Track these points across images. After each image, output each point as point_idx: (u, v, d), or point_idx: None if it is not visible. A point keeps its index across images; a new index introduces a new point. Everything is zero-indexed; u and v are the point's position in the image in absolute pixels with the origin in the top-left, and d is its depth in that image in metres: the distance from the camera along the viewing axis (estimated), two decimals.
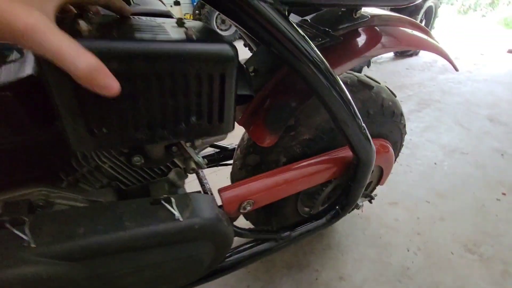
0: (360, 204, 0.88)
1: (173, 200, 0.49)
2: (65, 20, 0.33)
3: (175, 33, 0.35)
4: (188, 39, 0.34)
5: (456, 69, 0.78)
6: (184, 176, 0.59)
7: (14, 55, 0.41)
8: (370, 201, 0.94)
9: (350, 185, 0.77)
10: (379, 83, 0.82)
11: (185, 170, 0.58)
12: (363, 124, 0.59)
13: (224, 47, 0.35)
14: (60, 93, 0.30)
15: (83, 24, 0.31)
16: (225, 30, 4.61)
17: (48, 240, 0.38)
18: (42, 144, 0.40)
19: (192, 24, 0.42)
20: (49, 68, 0.28)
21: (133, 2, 0.57)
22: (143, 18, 0.41)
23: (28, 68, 0.38)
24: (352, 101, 0.54)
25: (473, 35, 6.65)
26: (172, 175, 0.56)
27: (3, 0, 0.23)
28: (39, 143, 0.39)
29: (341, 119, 0.55)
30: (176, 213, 0.48)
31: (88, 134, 0.35)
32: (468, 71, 3.63)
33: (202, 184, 0.71)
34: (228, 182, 0.93)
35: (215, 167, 1.03)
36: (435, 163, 1.67)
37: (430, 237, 1.17)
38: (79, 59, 0.25)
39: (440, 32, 5.46)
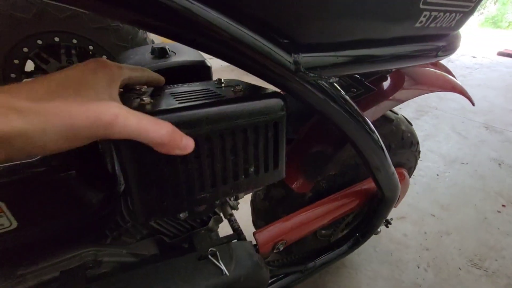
0: (379, 230, 0.90)
1: (218, 253, 0.50)
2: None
3: (226, 93, 0.36)
4: (243, 98, 0.35)
5: (473, 104, 0.81)
6: (221, 221, 0.60)
7: None
8: (386, 226, 0.97)
9: (372, 216, 0.79)
10: (397, 114, 0.85)
11: (223, 216, 0.60)
12: (393, 168, 0.61)
13: (275, 100, 0.36)
14: (136, 169, 0.31)
15: (146, 99, 0.31)
16: None
17: None
18: (103, 215, 0.40)
19: (230, 82, 0.43)
20: (126, 148, 0.29)
21: (169, 51, 0.57)
22: (187, 85, 0.42)
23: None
24: (385, 148, 0.56)
25: (463, 35, 6.79)
26: (211, 223, 0.57)
27: (90, 100, 0.25)
28: (101, 215, 0.40)
29: (374, 166, 0.57)
30: (223, 267, 0.49)
31: (158, 204, 0.35)
32: (462, 76, 3.72)
33: (230, 221, 0.72)
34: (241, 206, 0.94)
35: None
36: (437, 175, 1.72)
37: (438, 253, 1.21)
38: (160, 129, 0.27)
39: None
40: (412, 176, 1.67)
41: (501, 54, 5.15)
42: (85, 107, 0.24)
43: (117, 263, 0.50)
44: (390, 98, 0.61)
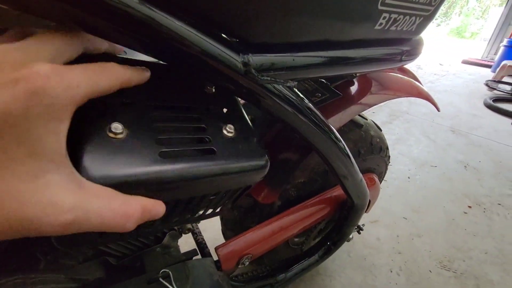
0: (351, 236, 0.89)
1: (171, 274, 0.45)
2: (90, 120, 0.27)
3: (214, 135, 0.32)
4: (231, 154, 0.32)
5: (438, 110, 0.82)
6: (178, 237, 0.55)
7: None
8: (358, 232, 0.96)
9: (343, 224, 0.78)
10: (367, 119, 0.84)
11: (180, 231, 0.55)
12: (361, 175, 0.59)
13: (260, 163, 0.34)
14: None
15: (117, 129, 0.26)
16: None
17: None
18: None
19: (221, 111, 0.37)
20: None
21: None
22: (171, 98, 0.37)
23: None
24: (351, 156, 0.54)
25: (431, 43, 7.20)
26: (166, 240, 0.52)
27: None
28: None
29: (341, 174, 0.55)
30: None
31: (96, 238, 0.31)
32: (430, 82, 3.92)
33: (193, 233, 0.67)
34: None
35: None
36: (408, 177, 1.76)
37: (409, 256, 1.23)
38: (127, 222, 0.22)
39: None
40: (384, 179, 1.70)
41: (465, 62, 5.51)
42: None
43: None
44: (357, 103, 0.60)
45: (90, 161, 0.24)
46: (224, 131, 0.34)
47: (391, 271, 1.15)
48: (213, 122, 0.34)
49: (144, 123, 0.29)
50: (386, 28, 0.39)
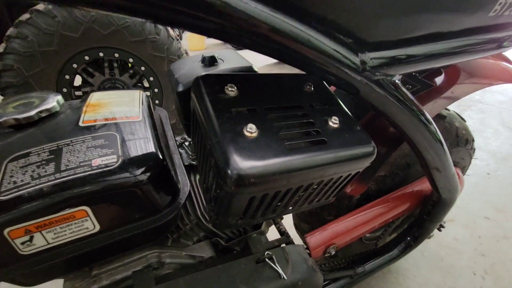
0: (432, 234, 0.85)
1: (274, 257, 0.50)
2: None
3: (323, 126, 0.36)
4: (341, 143, 0.35)
5: None
6: (271, 224, 0.60)
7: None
8: (439, 229, 0.91)
9: (426, 219, 0.75)
10: (449, 110, 0.80)
11: (274, 219, 0.60)
12: (454, 169, 0.57)
13: (368, 149, 0.36)
14: (234, 202, 0.33)
15: (252, 129, 0.32)
16: None
17: None
18: (168, 221, 0.42)
19: (322, 106, 0.40)
20: (236, 191, 0.31)
21: (218, 59, 0.58)
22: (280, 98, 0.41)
23: (151, 147, 0.41)
24: (447, 148, 0.53)
25: None
26: (263, 227, 0.58)
27: None
28: (166, 221, 0.42)
29: (433, 166, 0.54)
30: (281, 271, 0.49)
31: (237, 221, 0.37)
32: None
33: (276, 223, 0.72)
34: None
35: None
36: (488, 173, 1.59)
37: (496, 259, 1.11)
38: None
39: None
40: None
41: None
42: None
43: (177, 264, 0.52)
44: (447, 94, 0.57)
45: (238, 156, 0.29)
46: (330, 123, 0.37)
47: (475, 274, 1.06)
48: (319, 116, 0.37)
49: (266, 123, 0.34)
50: (500, 13, 0.38)
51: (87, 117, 0.44)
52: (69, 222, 0.35)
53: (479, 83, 0.63)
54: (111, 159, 0.37)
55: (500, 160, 1.69)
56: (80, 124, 0.42)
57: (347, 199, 0.73)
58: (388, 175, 0.70)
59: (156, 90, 1.75)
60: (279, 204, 0.38)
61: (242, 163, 0.29)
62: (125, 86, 1.70)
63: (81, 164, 0.36)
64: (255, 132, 0.32)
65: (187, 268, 0.51)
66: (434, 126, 0.47)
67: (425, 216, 0.74)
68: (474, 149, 0.86)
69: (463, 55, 0.43)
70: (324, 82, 0.43)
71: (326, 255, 0.63)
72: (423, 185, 0.73)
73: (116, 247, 0.42)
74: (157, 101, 1.78)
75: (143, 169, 0.38)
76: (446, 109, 0.79)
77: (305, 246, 0.62)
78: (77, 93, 1.61)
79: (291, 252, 0.54)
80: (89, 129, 0.41)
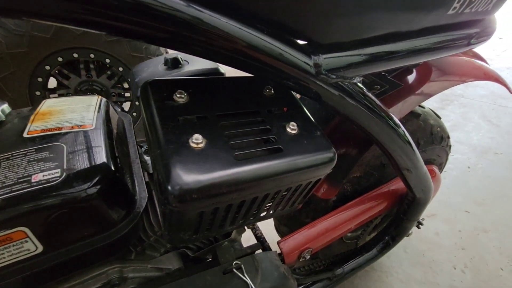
0: (410, 232, 0.85)
1: (242, 267, 0.49)
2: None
3: (279, 133, 0.34)
4: (298, 150, 0.34)
5: (511, 92, 0.74)
6: (243, 231, 0.59)
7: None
8: (418, 227, 0.91)
9: (403, 218, 0.75)
10: (424, 108, 0.79)
11: (245, 227, 0.58)
12: (425, 168, 0.56)
13: (327, 155, 0.35)
14: (181, 218, 0.32)
15: (198, 140, 0.30)
16: None
17: None
18: (124, 234, 0.40)
19: (281, 110, 0.38)
20: (180, 208, 0.29)
21: (182, 61, 0.56)
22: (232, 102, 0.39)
23: (102, 158, 0.38)
24: (416, 148, 0.52)
25: None
26: (234, 235, 0.56)
27: None
28: (122, 234, 0.39)
29: (404, 167, 0.53)
30: (249, 281, 0.47)
31: (192, 236, 0.35)
32: (488, 59, 3.48)
33: (253, 228, 0.71)
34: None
35: None
36: (468, 167, 1.61)
37: (475, 252, 1.13)
38: None
39: None
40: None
41: None
42: None
43: (142, 278, 0.49)
44: (418, 92, 0.57)
45: (181, 170, 0.27)
46: (288, 129, 0.35)
47: (455, 268, 1.08)
48: (276, 122, 0.36)
49: (216, 132, 0.32)
50: (459, 11, 0.37)
51: (33, 127, 0.41)
52: (6, 244, 0.32)
53: (451, 80, 0.62)
54: (54, 174, 0.35)
55: (480, 154, 1.72)
56: (24, 135, 0.39)
57: (324, 201, 0.72)
58: (363, 176, 0.70)
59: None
60: (236, 215, 0.36)
61: (184, 178, 0.27)
62: (103, 88, 1.64)
63: (19, 180, 0.33)
64: (201, 142, 0.30)
65: (153, 281, 0.49)
66: (402, 128, 0.46)
67: (402, 215, 0.74)
68: (450, 146, 0.86)
69: (426, 55, 0.42)
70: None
71: (301, 260, 0.62)
72: (399, 185, 0.72)
73: (67, 267, 0.39)
74: (137, 102, 1.73)
75: (91, 182, 0.35)
76: (421, 106, 0.79)
77: (279, 252, 0.60)
78: (52, 96, 1.55)
79: (262, 259, 0.52)
80: (34, 140, 0.38)
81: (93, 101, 0.50)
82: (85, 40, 1.43)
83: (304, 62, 0.31)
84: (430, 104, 2.38)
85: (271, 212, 0.41)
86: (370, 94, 0.40)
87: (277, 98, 0.39)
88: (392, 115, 0.44)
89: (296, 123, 0.36)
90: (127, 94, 1.72)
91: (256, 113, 0.36)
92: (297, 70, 0.32)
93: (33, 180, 0.33)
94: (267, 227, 1.08)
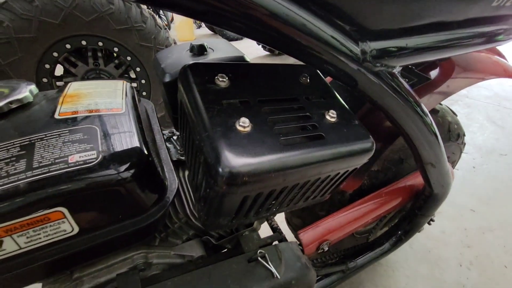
0: (422, 227, 0.86)
1: (267, 256, 0.49)
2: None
3: (320, 120, 0.34)
4: (339, 138, 0.33)
5: None
6: (263, 222, 0.59)
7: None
8: (429, 223, 0.91)
9: (417, 213, 0.75)
10: (441, 104, 0.79)
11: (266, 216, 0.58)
12: (449, 165, 0.56)
13: (366, 145, 0.34)
14: (225, 202, 0.31)
15: (245, 123, 0.30)
16: None
17: None
18: (155, 220, 0.40)
19: (319, 99, 0.38)
20: (228, 191, 0.29)
21: (208, 48, 0.55)
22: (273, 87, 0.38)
23: (135, 142, 0.38)
24: (442, 144, 0.52)
25: None
26: (255, 224, 0.56)
27: None
28: (153, 220, 0.39)
29: (428, 162, 0.53)
30: (273, 270, 0.47)
31: (229, 222, 0.35)
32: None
33: (268, 219, 0.71)
34: None
35: None
36: (473, 167, 1.62)
37: (481, 250, 1.14)
38: None
39: None
40: None
41: None
42: None
43: (166, 264, 0.49)
44: (443, 88, 0.56)
45: (230, 152, 0.27)
46: (327, 117, 0.35)
47: (461, 265, 1.09)
48: (316, 109, 0.35)
49: (260, 117, 0.31)
50: (502, 4, 0.37)
51: (63, 109, 0.40)
52: (44, 225, 0.32)
53: (473, 77, 0.62)
54: (91, 155, 0.34)
55: (485, 154, 1.73)
56: (56, 116, 0.38)
57: (340, 194, 0.72)
58: (381, 170, 0.70)
59: (143, 81, 1.69)
60: (273, 202, 0.36)
61: (234, 161, 0.26)
62: (110, 77, 1.63)
63: (57, 160, 0.33)
64: (248, 126, 0.29)
65: (176, 268, 0.49)
66: (431, 119, 0.46)
67: (416, 210, 0.75)
68: (465, 144, 0.87)
69: (464, 47, 0.42)
70: (320, 74, 0.41)
71: (319, 252, 0.62)
72: (416, 180, 0.72)
73: (98, 250, 0.39)
74: (144, 93, 1.72)
75: (126, 165, 0.35)
76: (439, 103, 0.78)
77: (298, 243, 0.60)
78: (59, 83, 1.53)
79: (284, 250, 0.52)
80: (66, 122, 0.38)
81: (119, 85, 0.49)
82: (94, 27, 1.41)
83: (351, 48, 0.31)
84: None
85: (303, 201, 0.41)
86: (406, 85, 0.40)
87: (313, 86, 0.39)
88: (424, 107, 0.44)
89: (335, 111, 0.35)
90: (134, 84, 1.70)
91: (295, 100, 0.36)
92: (343, 55, 0.31)
93: (70, 161, 0.33)
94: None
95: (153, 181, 0.39)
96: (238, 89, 0.34)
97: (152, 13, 1.59)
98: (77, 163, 0.33)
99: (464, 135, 0.82)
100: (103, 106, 0.42)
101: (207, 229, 0.40)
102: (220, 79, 0.33)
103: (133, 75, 1.68)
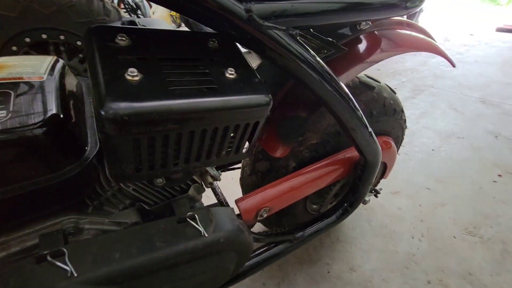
0: (367, 199, 0.91)
1: (197, 216, 0.52)
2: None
3: (217, 77, 0.37)
4: (233, 90, 0.36)
5: (453, 65, 0.80)
6: (202, 191, 0.61)
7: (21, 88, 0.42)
8: (375, 195, 0.97)
9: (358, 184, 0.80)
10: (379, 82, 0.85)
11: (203, 185, 0.61)
12: (370, 129, 0.61)
13: (263, 98, 0.37)
14: (119, 145, 0.33)
15: (133, 73, 0.32)
16: None
17: (88, 268, 0.40)
18: (71, 178, 0.42)
19: (225, 58, 0.41)
20: (114, 133, 0.31)
21: (139, 25, 0.57)
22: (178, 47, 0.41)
23: (51, 106, 0.40)
24: (359, 108, 0.57)
25: (461, 13, 6.68)
26: (191, 191, 0.58)
27: None
28: (68, 177, 0.41)
29: (350, 127, 0.58)
30: (202, 229, 0.50)
31: (134, 172, 0.37)
32: (458, 53, 3.67)
33: (216, 193, 0.74)
34: (233, 183, 0.96)
35: (223, 172, 1.05)
36: (432, 150, 1.72)
37: (432, 223, 1.22)
38: None
39: (427, 11, 5.46)
40: (406, 153, 1.67)
41: (500, 30, 5.06)
42: None
43: (98, 230, 0.51)
44: (364, 59, 0.61)
45: (114, 96, 0.30)
46: (226, 74, 0.38)
47: (413, 238, 1.16)
48: (216, 68, 0.38)
49: (155, 70, 0.34)
50: None
51: None
52: None
53: (396, 50, 0.67)
54: (0, 114, 0.36)
55: (444, 138, 1.83)
56: None
57: (284, 168, 0.76)
58: (320, 143, 0.74)
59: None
60: (177, 153, 0.39)
61: (115, 103, 0.29)
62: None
63: None
64: (136, 76, 0.32)
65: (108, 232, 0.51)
66: (340, 84, 0.50)
67: (357, 181, 0.79)
68: (405, 120, 0.92)
69: (363, 13, 0.46)
70: (232, 41, 0.44)
71: (258, 218, 0.66)
72: (354, 152, 0.77)
73: (17, 207, 0.40)
74: None
75: (37, 124, 0.37)
76: (377, 81, 0.84)
77: (238, 213, 0.64)
78: None
79: (217, 213, 0.55)
80: None
81: (48, 59, 0.51)
82: (54, 20, 1.40)
83: (236, 5, 0.34)
84: (401, 93, 2.49)
85: (215, 157, 0.44)
86: (307, 48, 0.43)
87: (221, 50, 0.42)
88: (331, 72, 0.48)
89: (234, 69, 0.39)
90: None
91: (197, 59, 0.39)
92: (230, 15, 0.35)
93: None
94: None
95: (69, 142, 0.41)
96: (138, 48, 0.36)
97: (116, 6, 1.59)
98: None
99: (402, 111, 0.88)
100: (23, 75, 0.44)
101: (115, 180, 0.41)
102: (119, 38, 0.36)
103: None
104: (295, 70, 0.45)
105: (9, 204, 0.38)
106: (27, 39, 1.41)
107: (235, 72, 0.38)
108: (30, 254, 0.45)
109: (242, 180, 0.90)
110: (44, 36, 1.44)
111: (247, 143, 0.47)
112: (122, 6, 4.33)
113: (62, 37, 1.47)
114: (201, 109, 0.34)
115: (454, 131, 1.91)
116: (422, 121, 2.04)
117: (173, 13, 4.89)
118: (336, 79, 0.51)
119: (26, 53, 1.47)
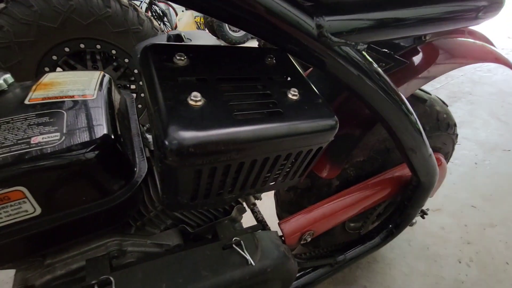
0: (414, 221, 0.84)
1: (242, 243, 0.48)
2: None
3: (280, 98, 0.34)
4: (298, 115, 0.33)
5: None
6: (244, 211, 0.58)
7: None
8: (422, 217, 0.89)
9: (406, 205, 0.73)
10: (430, 94, 0.78)
11: (246, 205, 0.57)
12: (431, 150, 0.55)
13: (329, 122, 0.34)
14: (179, 177, 0.31)
15: (197, 98, 0.29)
16: (237, 31, 4.61)
17: None
18: (121, 202, 0.40)
19: (283, 79, 0.37)
20: (177, 164, 0.29)
21: (185, 38, 0.56)
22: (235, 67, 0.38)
23: (102, 127, 0.38)
24: (421, 128, 0.51)
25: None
26: (234, 213, 0.55)
27: None
28: (119, 202, 0.39)
29: (408, 147, 0.52)
30: (248, 257, 0.47)
31: (189, 201, 0.35)
32: None
33: (253, 211, 0.70)
34: (264, 199, 0.92)
35: None
36: (475, 163, 1.58)
37: (481, 246, 1.11)
38: None
39: None
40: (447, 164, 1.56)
41: None
42: None
43: (141, 253, 0.49)
44: (423, 73, 0.55)
45: (178, 125, 0.27)
46: (289, 95, 0.35)
47: (460, 262, 1.06)
48: (277, 88, 0.35)
49: (216, 93, 0.31)
50: None
51: (35, 95, 0.41)
52: (4, 204, 0.32)
53: (458, 62, 0.61)
54: (54, 137, 0.35)
55: (488, 150, 1.69)
56: (26, 102, 0.39)
57: (326, 186, 0.71)
58: (367, 160, 0.69)
59: (141, 83, 1.71)
60: (235, 182, 0.36)
61: (180, 132, 0.26)
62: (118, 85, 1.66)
63: (19, 141, 0.33)
64: (200, 100, 0.29)
65: (150, 256, 0.49)
66: (406, 103, 0.45)
67: (405, 202, 0.73)
68: (457, 135, 0.85)
69: (434, 25, 0.41)
70: (288, 55, 0.41)
71: (302, 242, 0.61)
72: (404, 171, 0.71)
73: (65, 232, 0.39)
74: (142, 94, 1.74)
75: (89, 147, 0.35)
76: (428, 93, 0.77)
77: (281, 235, 0.60)
78: None
79: (262, 238, 0.52)
80: (34, 107, 0.38)
81: (96, 75, 0.50)
82: (92, 30, 1.45)
83: (306, 22, 0.31)
84: None
85: (272, 183, 0.41)
86: (375, 64, 0.39)
87: (278, 67, 0.38)
88: (396, 89, 0.44)
89: (297, 90, 0.35)
90: (133, 86, 1.73)
91: (257, 79, 0.35)
92: (298, 31, 0.31)
93: (32, 142, 0.34)
94: (269, 218, 1.08)
95: (119, 165, 0.39)
96: (197, 67, 0.34)
97: (150, 16, 1.62)
98: (38, 144, 0.33)
99: (455, 125, 0.81)
100: (74, 93, 0.43)
101: (168, 209, 0.39)
102: (178, 57, 0.33)
103: (132, 78, 1.70)
104: (357, 85, 0.41)
105: (59, 230, 0.37)
106: (67, 49, 1.47)
107: (298, 93, 0.35)
108: (74, 278, 0.44)
109: (278, 195, 0.86)
110: (82, 45, 1.49)
111: None
112: (149, 13, 4.48)
113: (98, 46, 1.52)
114: (268, 136, 0.30)
115: (498, 142, 1.76)
116: (461, 131, 1.90)
117: (198, 19, 4.99)
118: (401, 94, 0.46)
119: (65, 62, 1.53)
